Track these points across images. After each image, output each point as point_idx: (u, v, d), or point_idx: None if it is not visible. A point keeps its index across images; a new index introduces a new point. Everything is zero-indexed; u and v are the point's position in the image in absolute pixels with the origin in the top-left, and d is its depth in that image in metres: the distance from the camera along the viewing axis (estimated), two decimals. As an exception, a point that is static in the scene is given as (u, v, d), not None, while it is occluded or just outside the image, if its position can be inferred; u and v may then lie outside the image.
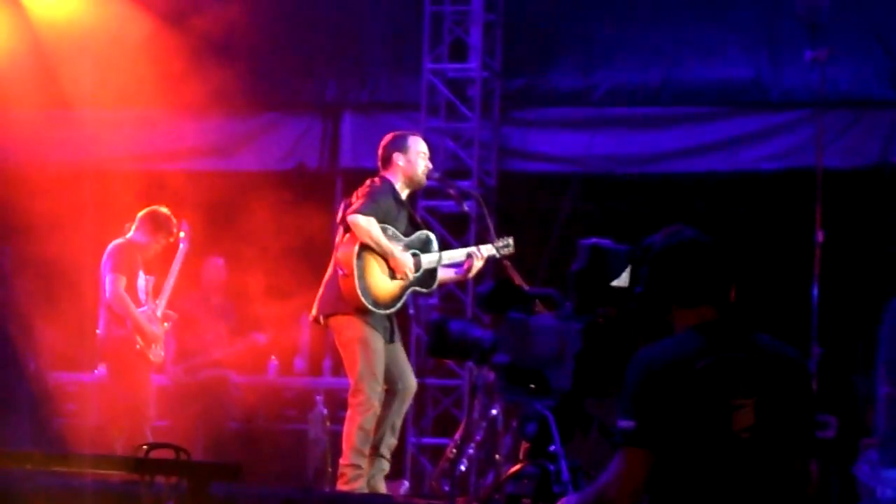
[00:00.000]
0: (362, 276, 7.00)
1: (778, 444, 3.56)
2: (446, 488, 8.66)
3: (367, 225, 7.00)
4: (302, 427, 9.64)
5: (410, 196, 7.43)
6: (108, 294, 8.24)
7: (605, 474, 3.58)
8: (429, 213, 10.07)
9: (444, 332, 4.21)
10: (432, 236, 7.38)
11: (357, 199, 7.09)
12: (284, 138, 10.86)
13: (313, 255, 8.79)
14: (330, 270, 7.18)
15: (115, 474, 5.76)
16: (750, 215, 9.88)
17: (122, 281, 8.22)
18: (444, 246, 7.65)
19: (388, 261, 7.09)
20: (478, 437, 8.68)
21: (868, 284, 9.32)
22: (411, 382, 7.21)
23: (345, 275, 7.01)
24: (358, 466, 6.99)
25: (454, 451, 8.70)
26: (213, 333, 10.05)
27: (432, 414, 10.25)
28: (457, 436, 8.86)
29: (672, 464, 3.52)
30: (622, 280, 3.84)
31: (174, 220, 8.53)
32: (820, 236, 8.57)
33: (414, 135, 7.47)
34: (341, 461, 7.07)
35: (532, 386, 3.96)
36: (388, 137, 7.35)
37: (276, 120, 10.93)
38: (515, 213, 10.03)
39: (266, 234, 9.84)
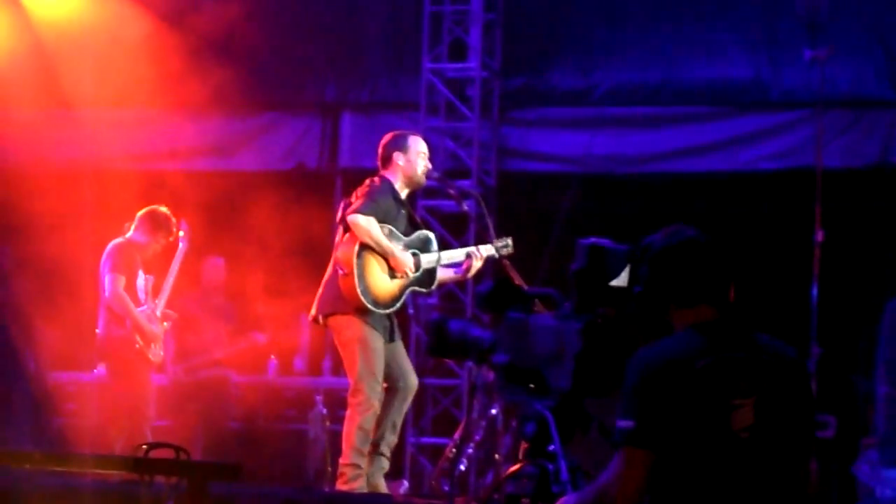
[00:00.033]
0: (362, 276, 7.00)
1: (777, 444, 3.56)
2: (446, 488, 8.66)
3: (367, 225, 7.00)
4: (302, 427, 9.64)
5: (410, 196, 7.43)
6: (107, 294, 8.24)
7: (604, 474, 3.58)
8: (428, 213, 10.07)
9: (443, 332, 4.22)
10: (432, 236, 7.37)
11: (357, 198, 7.09)
12: (284, 138, 10.86)
13: (313, 254, 8.79)
14: (329, 270, 7.18)
15: (115, 474, 5.76)
16: (749, 215, 9.88)
17: (122, 280, 8.22)
18: (443, 246, 7.65)
19: (388, 260, 7.09)
20: (477, 437, 8.69)
21: (867, 284, 9.33)
22: (412, 381, 7.21)
23: (345, 274, 7.01)
24: (357, 466, 6.99)
25: (453, 450, 8.70)
26: (212, 333, 10.06)
27: (432, 413, 10.26)
28: (456, 435, 8.86)
29: (672, 463, 3.52)
30: (621, 280, 3.84)
31: (174, 220, 8.53)
32: (819, 236, 8.57)
33: (414, 134, 7.46)
34: (341, 461, 7.07)
35: (531, 385, 3.96)
36: (387, 137, 7.35)
37: (275, 120, 10.94)
38: (515, 213, 10.03)
39: (266, 233, 9.84)
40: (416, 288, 7.27)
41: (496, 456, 8.46)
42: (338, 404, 9.36)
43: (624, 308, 3.83)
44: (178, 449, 5.04)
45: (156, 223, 8.45)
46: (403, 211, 7.25)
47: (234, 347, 10.17)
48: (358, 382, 7.00)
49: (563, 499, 3.73)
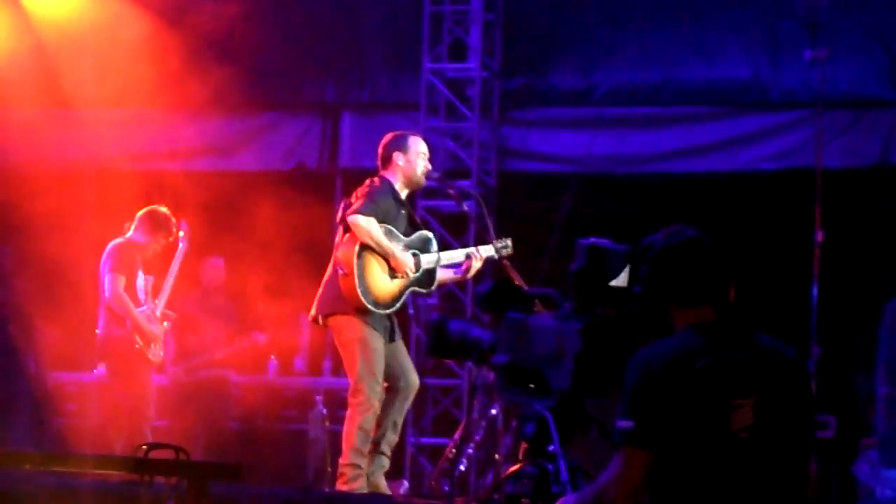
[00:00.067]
0: (362, 276, 7.00)
1: (777, 444, 3.56)
2: (446, 488, 8.67)
3: (368, 225, 7.00)
4: (302, 427, 9.64)
5: (410, 196, 7.43)
6: (107, 294, 8.24)
7: (604, 474, 3.58)
8: (428, 213, 10.07)
9: (443, 332, 4.22)
10: (431, 236, 7.37)
11: (357, 199, 7.08)
12: (284, 138, 10.86)
13: (313, 254, 8.79)
14: (329, 270, 7.18)
15: (115, 474, 5.75)
16: (749, 215, 9.88)
17: (122, 281, 8.22)
18: (443, 246, 7.65)
19: (388, 261, 7.08)
20: (477, 437, 8.69)
21: (867, 284, 9.33)
22: (413, 380, 7.21)
23: (345, 274, 7.01)
24: (357, 466, 6.99)
25: (453, 450, 8.71)
26: (212, 333, 10.05)
27: (432, 413, 10.26)
28: (456, 435, 8.86)
29: (671, 463, 3.52)
30: (621, 280, 3.84)
31: (173, 220, 8.53)
32: (819, 236, 8.57)
33: (414, 135, 7.46)
34: (341, 461, 7.07)
35: (531, 386, 3.96)
36: (387, 137, 7.35)
37: (275, 120, 10.94)
38: (515, 213, 10.03)
39: (266, 233, 9.84)
40: (416, 288, 7.27)
41: (496, 456, 8.46)
42: (338, 404, 9.37)
43: (623, 308, 3.83)
44: (177, 449, 5.04)
45: (156, 223, 8.44)
46: (403, 211, 7.25)
47: (234, 348, 10.16)
48: (358, 382, 7.00)
49: (562, 499, 3.73)
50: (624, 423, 3.53)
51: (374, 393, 6.99)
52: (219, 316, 10.14)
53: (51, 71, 10.49)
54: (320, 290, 7.18)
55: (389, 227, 7.11)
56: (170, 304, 8.56)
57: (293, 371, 10.57)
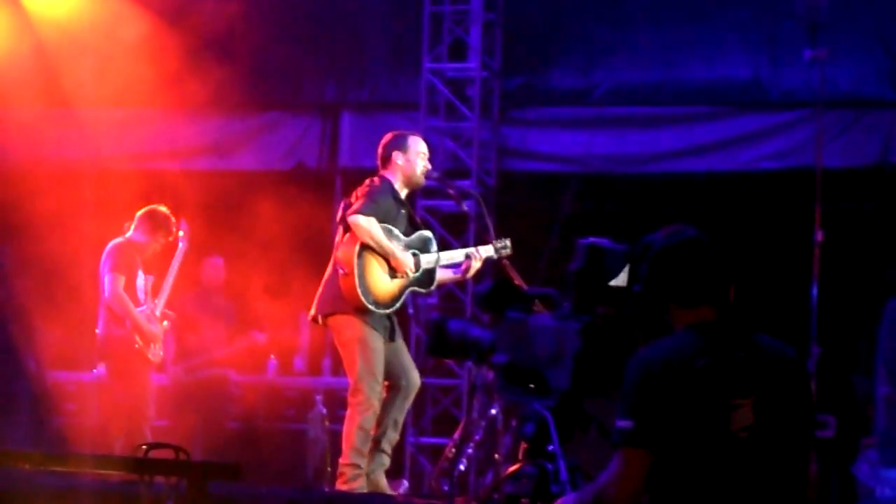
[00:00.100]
0: (363, 276, 7.00)
1: (776, 444, 3.56)
2: (445, 488, 8.66)
3: (368, 225, 7.00)
4: (301, 426, 9.64)
5: (409, 195, 7.43)
6: (106, 293, 8.24)
7: (603, 474, 3.58)
8: (428, 213, 10.07)
9: (443, 332, 4.21)
10: (431, 236, 7.37)
11: (356, 198, 7.08)
12: (284, 138, 10.87)
13: (313, 254, 8.79)
14: (329, 270, 7.18)
15: (115, 474, 5.75)
16: (749, 215, 9.88)
17: (121, 280, 8.22)
18: (443, 245, 7.65)
19: (388, 261, 7.08)
20: (477, 437, 8.68)
21: (867, 284, 9.33)
22: (415, 379, 7.21)
23: (345, 274, 7.00)
24: (357, 466, 6.99)
25: (453, 450, 8.70)
26: (212, 333, 10.05)
27: (431, 413, 10.26)
28: (456, 435, 8.86)
29: (671, 463, 3.52)
30: (620, 280, 3.84)
31: (173, 220, 8.53)
32: (819, 236, 8.57)
33: (414, 134, 7.47)
34: (341, 461, 7.07)
35: (531, 385, 3.96)
36: (387, 137, 7.35)
37: (275, 119, 10.94)
38: (515, 213, 10.03)
39: (265, 233, 9.84)
40: (416, 288, 7.27)
41: (496, 456, 8.46)
42: (337, 404, 9.37)
43: (623, 308, 3.83)
44: (177, 449, 5.04)
45: (155, 223, 8.44)
46: (403, 211, 7.25)
47: (234, 347, 10.17)
48: (358, 382, 7.00)
49: (561, 499, 3.73)
50: (623, 423, 3.53)
51: (373, 393, 6.99)
52: (218, 315, 10.15)
53: (51, 70, 10.49)
54: (320, 290, 7.18)
55: (389, 226, 7.11)
56: (169, 304, 8.56)
57: (293, 371, 10.58)
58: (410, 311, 9.41)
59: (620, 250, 3.89)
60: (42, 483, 6.02)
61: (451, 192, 8.16)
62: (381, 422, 7.07)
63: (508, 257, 7.41)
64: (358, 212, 7.00)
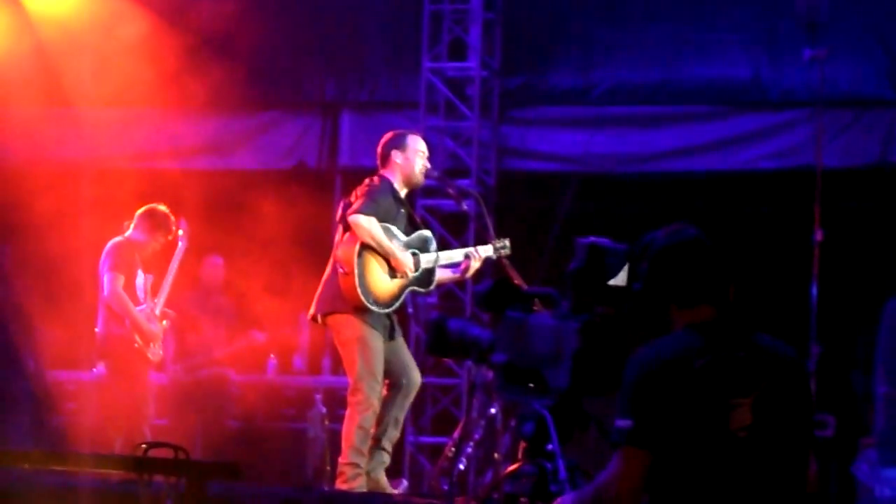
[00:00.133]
0: (363, 275, 7.00)
1: (775, 444, 3.56)
2: (445, 487, 8.66)
3: (369, 225, 7.00)
4: (301, 426, 9.64)
5: (409, 195, 7.43)
6: (106, 292, 8.23)
7: (603, 473, 3.58)
8: (428, 212, 10.07)
9: (442, 331, 4.21)
10: (430, 235, 7.37)
11: (356, 198, 7.08)
12: (284, 137, 10.87)
13: (312, 253, 8.79)
14: (329, 269, 7.18)
15: (114, 473, 5.76)
16: (749, 214, 9.89)
17: (121, 279, 8.21)
18: (443, 245, 7.65)
19: (388, 260, 7.08)
20: (476, 436, 8.69)
21: (867, 284, 9.33)
22: (415, 377, 7.21)
23: (345, 273, 7.00)
24: (357, 465, 6.99)
25: (453, 449, 8.70)
26: (212, 332, 10.06)
27: (431, 412, 10.26)
28: (455, 434, 8.86)
29: (670, 463, 3.52)
30: (620, 279, 3.84)
31: (172, 219, 8.52)
32: (819, 235, 8.57)
33: (413, 133, 7.47)
34: (340, 460, 7.07)
35: (530, 385, 3.96)
36: (387, 136, 7.36)
37: (275, 118, 10.94)
38: (514, 212, 10.03)
39: (265, 232, 9.84)
40: (415, 287, 7.27)
41: (495, 455, 8.46)
42: (337, 403, 9.36)
43: (622, 307, 3.83)
44: (177, 448, 5.04)
45: (155, 222, 8.44)
46: (403, 210, 7.25)
47: (234, 346, 10.17)
48: (357, 382, 7.00)
49: (561, 498, 3.73)
50: (622, 423, 3.53)
51: (373, 392, 6.99)
52: (218, 315, 10.15)
53: (50, 69, 10.49)
54: (319, 289, 7.18)
55: (389, 226, 7.11)
56: (169, 303, 8.56)
57: (292, 370, 10.58)
58: (410, 310, 9.41)
59: (620, 250, 3.89)
60: (42, 482, 6.02)
61: (450, 191, 8.16)
62: (381, 420, 7.07)
63: (507, 257, 7.41)
64: (358, 211, 7.00)
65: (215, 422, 9.81)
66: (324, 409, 9.43)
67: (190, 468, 5.04)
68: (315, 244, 9.21)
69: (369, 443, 7.05)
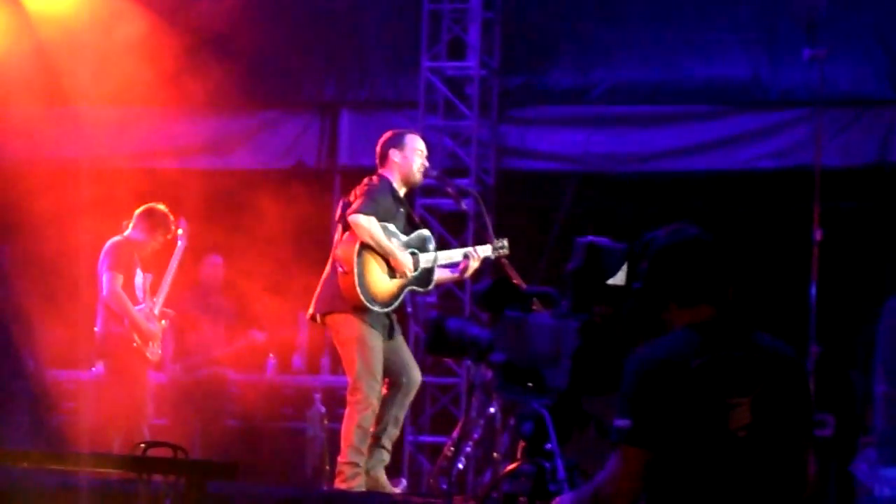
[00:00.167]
0: (362, 275, 7.00)
1: (775, 443, 3.56)
2: (444, 486, 8.66)
3: (368, 224, 6.99)
4: (300, 425, 9.64)
5: (408, 194, 7.43)
6: (105, 292, 8.23)
7: (601, 473, 3.58)
8: (427, 212, 10.07)
9: (441, 330, 4.21)
10: (429, 235, 7.38)
11: (356, 197, 7.08)
12: (283, 136, 10.86)
13: (311, 252, 8.79)
14: (328, 268, 7.18)
15: (113, 472, 5.76)
16: (748, 214, 9.88)
17: (119, 278, 8.21)
18: (442, 244, 7.65)
19: (388, 260, 7.08)
20: (475, 436, 8.68)
21: (866, 283, 9.33)
22: (415, 375, 7.21)
23: (345, 272, 7.00)
24: (356, 465, 6.99)
25: (452, 449, 8.70)
26: (211, 332, 10.05)
27: (430, 412, 10.25)
28: (454, 434, 8.86)
29: (669, 462, 3.52)
30: (619, 278, 3.84)
31: (171, 218, 8.52)
32: (818, 235, 8.57)
33: (411, 133, 7.47)
34: (339, 459, 7.07)
35: (529, 384, 3.96)
36: (385, 135, 7.36)
37: (274, 118, 10.93)
38: (513, 212, 10.03)
39: (264, 231, 9.84)
40: (414, 287, 7.27)
41: (494, 454, 8.46)
42: (336, 402, 9.36)
43: (621, 307, 3.83)
44: (175, 447, 5.04)
45: (154, 221, 8.44)
46: (402, 210, 7.25)
47: (233, 346, 10.16)
48: (356, 381, 7.00)
49: (559, 497, 3.73)
50: (621, 422, 3.52)
51: (372, 391, 6.99)
52: (217, 314, 10.14)
53: (49, 68, 10.48)
54: (318, 289, 7.18)
55: (388, 225, 7.11)
56: (168, 302, 8.56)
57: (291, 369, 10.57)
58: (409, 309, 9.41)
59: (619, 249, 3.89)
60: (41, 481, 6.02)
61: (449, 190, 8.17)
62: (381, 418, 7.07)
63: (506, 256, 7.41)
64: (358, 211, 6.99)
65: (214, 421, 9.81)
66: (323, 409, 9.43)
67: (189, 467, 5.04)
68: (314, 243, 9.21)
69: (368, 442, 7.05)
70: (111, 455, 7.25)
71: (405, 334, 8.19)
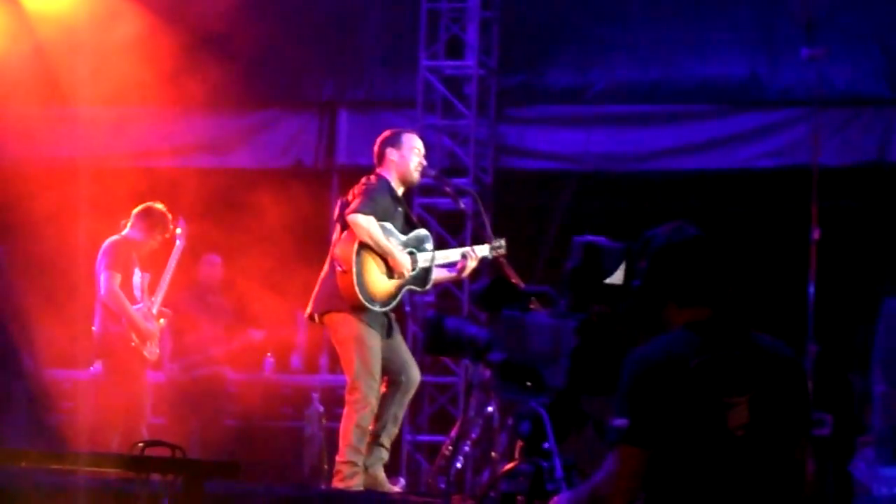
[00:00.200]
0: (361, 274, 7.00)
1: (773, 442, 3.56)
2: (442, 486, 8.66)
3: (367, 224, 6.99)
4: (298, 424, 9.64)
5: (406, 193, 7.42)
6: (103, 291, 8.23)
7: (599, 472, 3.58)
8: (425, 211, 10.07)
9: (440, 330, 4.22)
10: (427, 234, 7.37)
11: (354, 197, 7.08)
12: (281, 135, 10.86)
13: (310, 252, 8.78)
14: (326, 268, 7.18)
15: (111, 472, 5.76)
16: (746, 213, 9.89)
17: (117, 278, 8.21)
18: (440, 243, 7.65)
19: (386, 260, 7.08)
20: (474, 435, 8.68)
21: (864, 283, 9.33)
22: (414, 374, 7.21)
23: (343, 272, 7.00)
24: (354, 464, 6.99)
25: (450, 448, 8.70)
26: (209, 331, 10.05)
27: (428, 411, 10.26)
28: (453, 433, 8.85)
29: (667, 462, 3.52)
30: (617, 278, 3.84)
31: (169, 217, 8.52)
32: (816, 234, 8.56)
33: (409, 132, 7.47)
34: (337, 458, 7.06)
35: (527, 383, 3.96)
36: (383, 134, 7.36)
37: (272, 117, 10.93)
38: (512, 211, 10.03)
39: (262, 231, 9.84)
40: (413, 286, 7.27)
41: (492, 454, 8.46)
42: (334, 402, 9.36)
43: (619, 306, 3.83)
44: (174, 447, 5.04)
45: (152, 220, 8.44)
46: (400, 209, 7.25)
47: (231, 345, 10.16)
48: (355, 380, 7.00)
49: (557, 497, 3.73)
50: (619, 421, 3.52)
51: (370, 391, 6.99)
52: (215, 313, 10.14)
53: (48, 68, 10.48)
54: (317, 288, 7.18)
55: (387, 224, 7.11)
56: (166, 302, 8.55)
57: (290, 368, 10.57)
58: (407, 308, 9.40)
59: (617, 248, 3.89)
60: (39, 481, 6.02)
61: (447, 189, 8.17)
62: (380, 417, 7.07)
63: (504, 256, 7.41)
64: (357, 211, 6.99)
65: (213, 420, 9.81)
66: (321, 408, 9.43)
67: (187, 467, 5.04)
68: (312, 242, 9.20)
69: (367, 441, 7.04)
70: (109, 454, 7.24)
71: (403, 333, 8.19)
